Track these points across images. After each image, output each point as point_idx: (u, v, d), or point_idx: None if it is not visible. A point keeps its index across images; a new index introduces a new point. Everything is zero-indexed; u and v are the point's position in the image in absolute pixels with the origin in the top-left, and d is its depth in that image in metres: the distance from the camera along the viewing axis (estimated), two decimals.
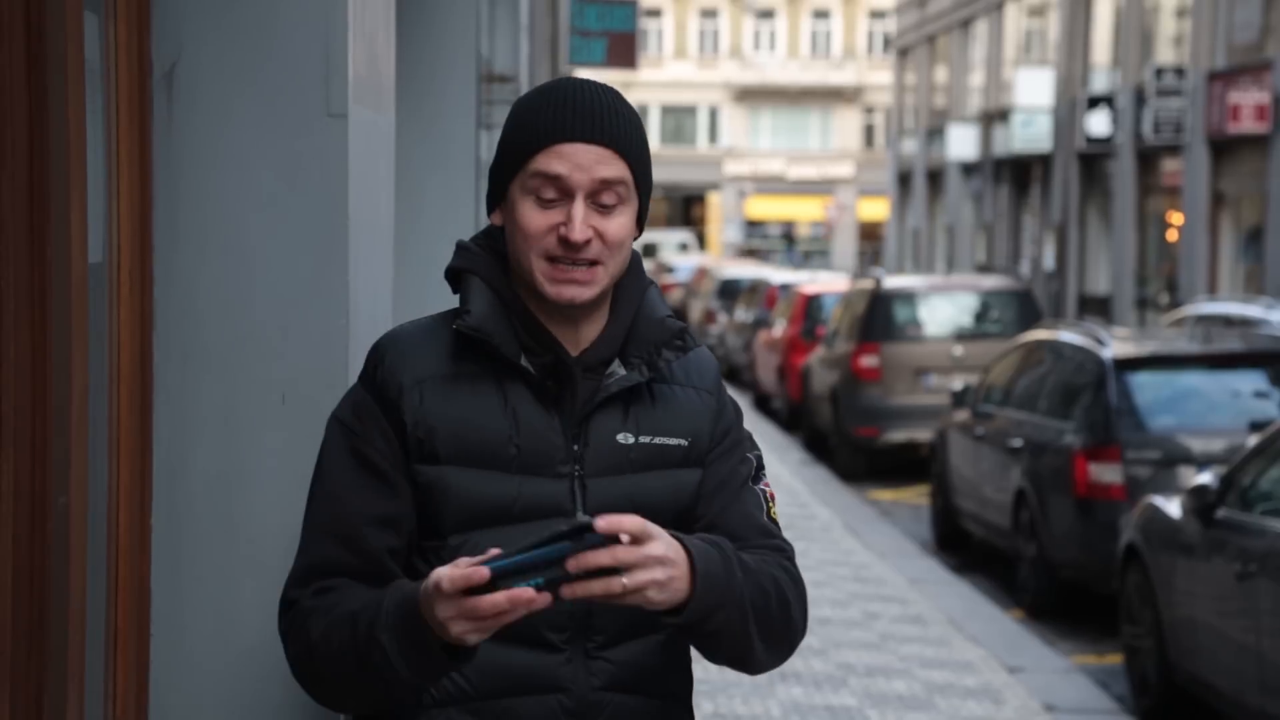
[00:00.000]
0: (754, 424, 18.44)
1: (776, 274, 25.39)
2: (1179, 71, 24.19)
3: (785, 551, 2.22)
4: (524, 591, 1.84)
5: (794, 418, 18.16)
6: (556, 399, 2.10)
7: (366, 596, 2.01)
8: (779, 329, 19.63)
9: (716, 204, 59.76)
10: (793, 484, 13.91)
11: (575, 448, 2.09)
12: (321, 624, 2.02)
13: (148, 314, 2.54)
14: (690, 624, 2.01)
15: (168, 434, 2.56)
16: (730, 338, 24.14)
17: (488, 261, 2.14)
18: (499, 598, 1.85)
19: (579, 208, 2.07)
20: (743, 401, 20.85)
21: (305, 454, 2.55)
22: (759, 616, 2.10)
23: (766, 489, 2.27)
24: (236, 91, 2.57)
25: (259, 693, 2.56)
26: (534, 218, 2.08)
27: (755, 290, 23.51)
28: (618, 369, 2.13)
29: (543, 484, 2.07)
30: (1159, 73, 24.35)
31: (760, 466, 2.29)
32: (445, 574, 1.88)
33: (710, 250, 54.30)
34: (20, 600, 2.03)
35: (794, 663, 7.68)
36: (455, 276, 2.16)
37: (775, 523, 2.25)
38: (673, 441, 2.16)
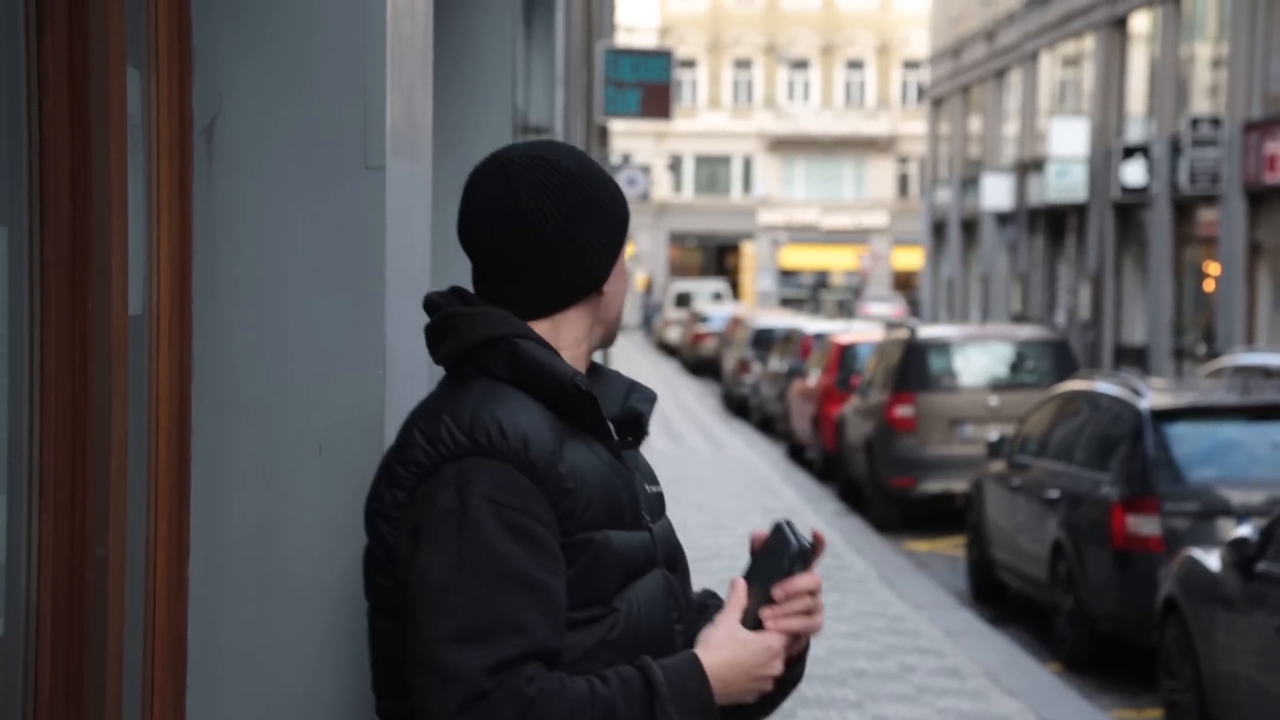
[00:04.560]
0: (788, 474, 18.38)
1: (811, 323, 25.38)
2: (1215, 122, 24.14)
3: None
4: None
5: (828, 468, 18.10)
6: (620, 453, 2.13)
7: (611, 691, 1.96)
8: (813, 379, 19.59)
9: (750, 253, 59.82)
10: (828, 534, 13.86)
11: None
12: (564, 714, 1.93)
13: (186, 365, 2.56)
14: (798, 674, 2.17)
15: (205, 485, 2.57)
16: (764, 387, 24.10)
17: (518, 322, 2.14)
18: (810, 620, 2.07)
19: None
20: (776, 451, 20.88)
21: (342, 505, 2.55)
22: None
23: None
24: (275, 144, 2.59)
25: None
26: (623, 284, 2.22)
27: (790, 340, 23.49)
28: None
29: (641, 535, 2.10)
30: (1195, 123, 24.31)
31: None
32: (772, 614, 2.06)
33: (744, 300, 54.32)
34: (59, 651, 2.03)
35: (830, 715, 7.62)
36: (487, 341, 2.12)
37: None
38: (660, 488, 2.22)
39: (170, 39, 2.51)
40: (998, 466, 11.59)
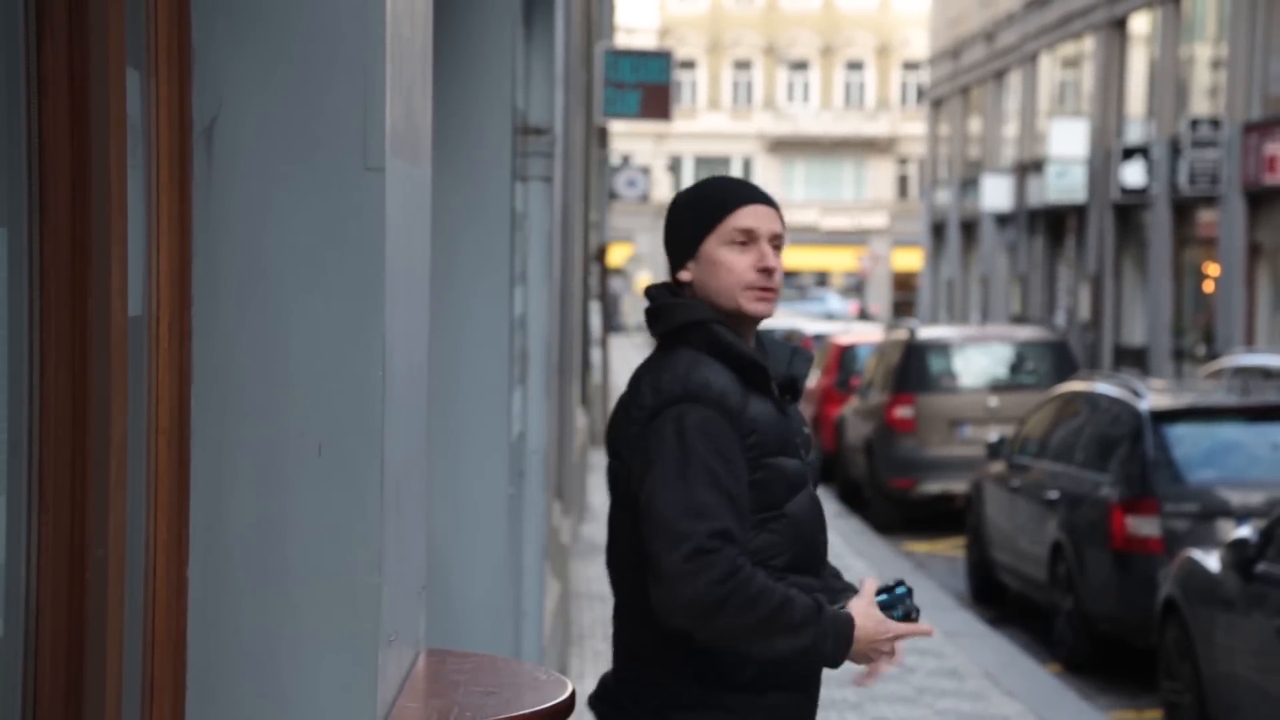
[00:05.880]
0: None
1: (811, 324, 25.37)
2: (1214, 123, 24.14)
3: None
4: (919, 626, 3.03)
5: (828, 469, 18.10)
6: (778, 401, 2.97)
7: (792, 593, 2.83)
8: (813, 380, 19.59)
9: None
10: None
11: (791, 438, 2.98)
12: (756, 589, 2.79)
13: (186, 366, 2.56)
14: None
15: (205, 486, 2.57)
16: None
17: (708, 310, 2.95)
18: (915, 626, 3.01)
19: (766, 247, 2.97)
20: None
21: (342, 506, 2.56)
22: None
23: None
24: (275, 146, 2.59)
25: None
26: (737, 259, 2.96)
27: (789, 340, 23.48)
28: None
29: (797, 462, 2.95)
30: (1194, 124, 24.31)
31: None
32: (893, 625, 2.95)
33: None
34: (58, 652, 2.03)
35: (829, 716, 7.62)
36: (688, 324, 2.93)
37: None
38: (809, 431, 3.06)
39: (170, 41, 2.51)
40: (997, 467, 11.59)
